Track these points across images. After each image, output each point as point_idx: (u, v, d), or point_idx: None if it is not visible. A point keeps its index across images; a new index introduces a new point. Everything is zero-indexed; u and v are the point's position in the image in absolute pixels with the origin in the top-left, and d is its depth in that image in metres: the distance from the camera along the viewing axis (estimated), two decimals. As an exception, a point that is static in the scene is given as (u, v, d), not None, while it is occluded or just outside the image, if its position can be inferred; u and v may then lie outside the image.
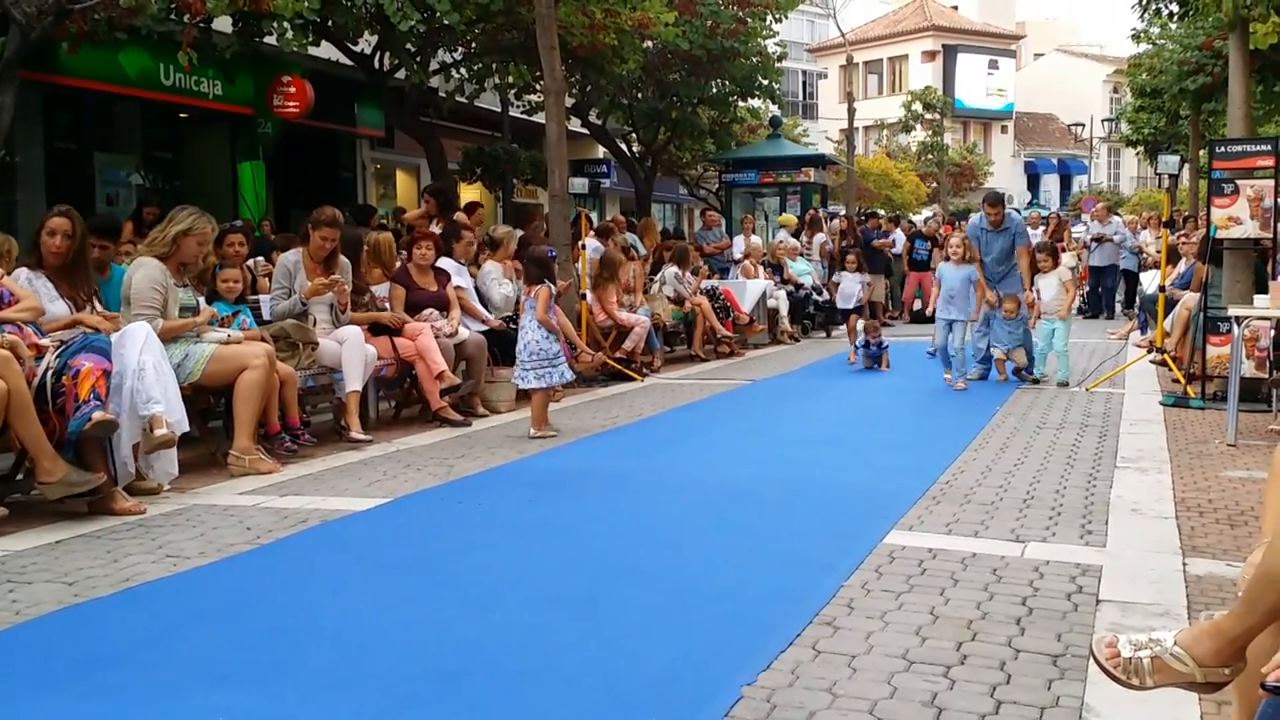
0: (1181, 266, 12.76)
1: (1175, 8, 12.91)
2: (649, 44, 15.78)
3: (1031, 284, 10.27)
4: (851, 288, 13.33)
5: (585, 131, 19.59)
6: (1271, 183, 8.68)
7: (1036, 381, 10.09)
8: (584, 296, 10.95)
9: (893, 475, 6.11)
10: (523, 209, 17.12)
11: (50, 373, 5.28)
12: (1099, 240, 18.87)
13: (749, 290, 14.30)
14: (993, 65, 52.13)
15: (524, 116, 17.66)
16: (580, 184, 11.85)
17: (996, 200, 10.69)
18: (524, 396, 8.43)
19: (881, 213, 23.22)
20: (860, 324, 12.11)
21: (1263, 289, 8.32)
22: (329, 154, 16.84)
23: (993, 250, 10.44)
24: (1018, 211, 18.39)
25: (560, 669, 3.32)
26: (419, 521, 5.32)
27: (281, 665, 3.38)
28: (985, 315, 10.39)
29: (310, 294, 7.56)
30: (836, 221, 19.38)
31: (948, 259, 10.36)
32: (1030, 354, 10.35)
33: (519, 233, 11.37)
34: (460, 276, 9.25)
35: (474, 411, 8.48)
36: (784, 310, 15.29)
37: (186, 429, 5.89)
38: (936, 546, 4.60)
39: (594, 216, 14.62)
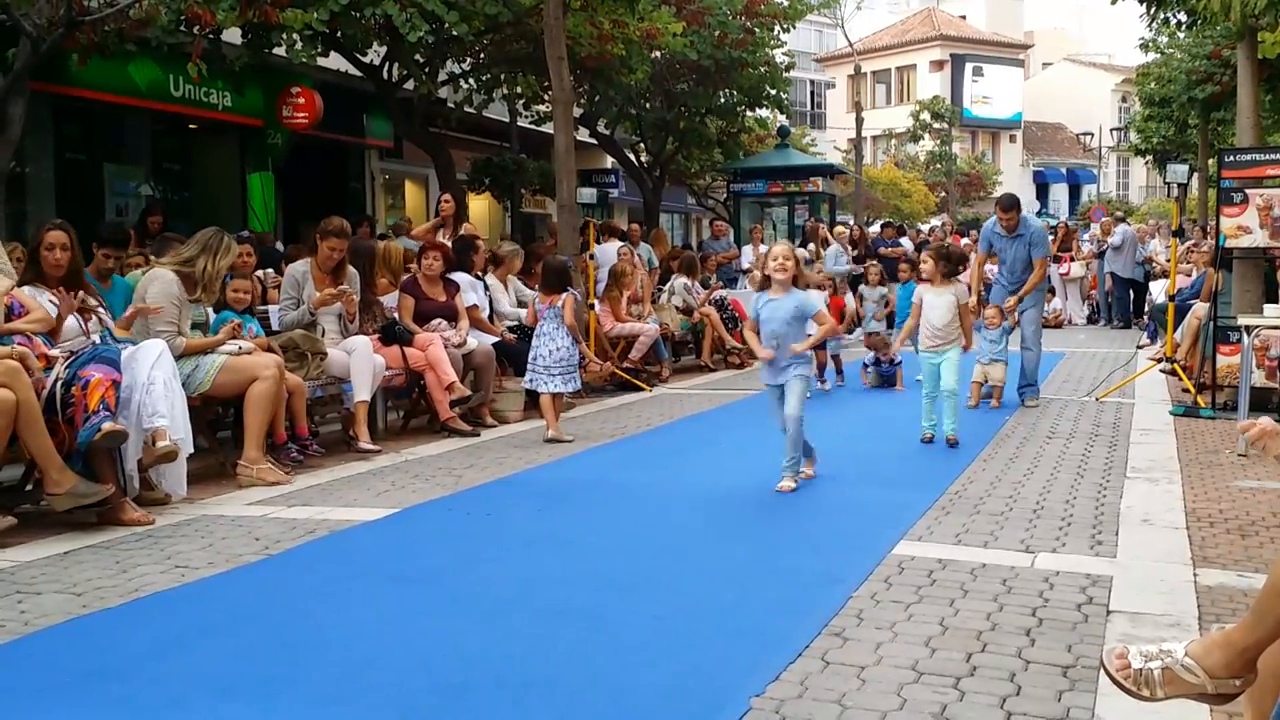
0: (1193, 274, 12.75)
1: (1183, 17, 12.93)
2: (657, 54, 15.83)
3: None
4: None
5: (593, 141, 19.64)
6: (1281, 191, 8.66)
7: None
8: (592, 307, 10.96)
9: (901, 486, 6.10)
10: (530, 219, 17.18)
11: (59, 383, 5.29)
12: (1100, 255, 18.86)
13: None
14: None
15: (532, 127, 17.71)
16: (588, 194, 11.85)
17: (1010, 204, 9.55)
18: (534, 405, 8.43)
19: (892, 222, 23.24)
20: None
21: (1273, 298, 8.31)
22: (338, 165, 16.91)
23: (1007, 259, 9.54)
24: (1039, 218, 18.28)
25: (567, 681, 3.31)
26: (426, 532, 5.31)
27: (288, 677, 3.38)
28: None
29: (318, 304, 7.58)
30: (847, 231, 19.35)
31: (766, 283, 6.32)
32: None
33: (521, 251, 11.34)
34: (475, 292, 9.25)
35: (482, 422, 8.48)
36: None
37: (191, 450, 5.88)
38: (946, 557, 4.58)
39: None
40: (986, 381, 9.27)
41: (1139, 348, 13.74)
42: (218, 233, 6.63)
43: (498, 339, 9.11)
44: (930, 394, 7.54)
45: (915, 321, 7.67)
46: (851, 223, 22.86)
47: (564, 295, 7.85)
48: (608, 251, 12.63)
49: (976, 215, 37.48)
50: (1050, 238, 19.87)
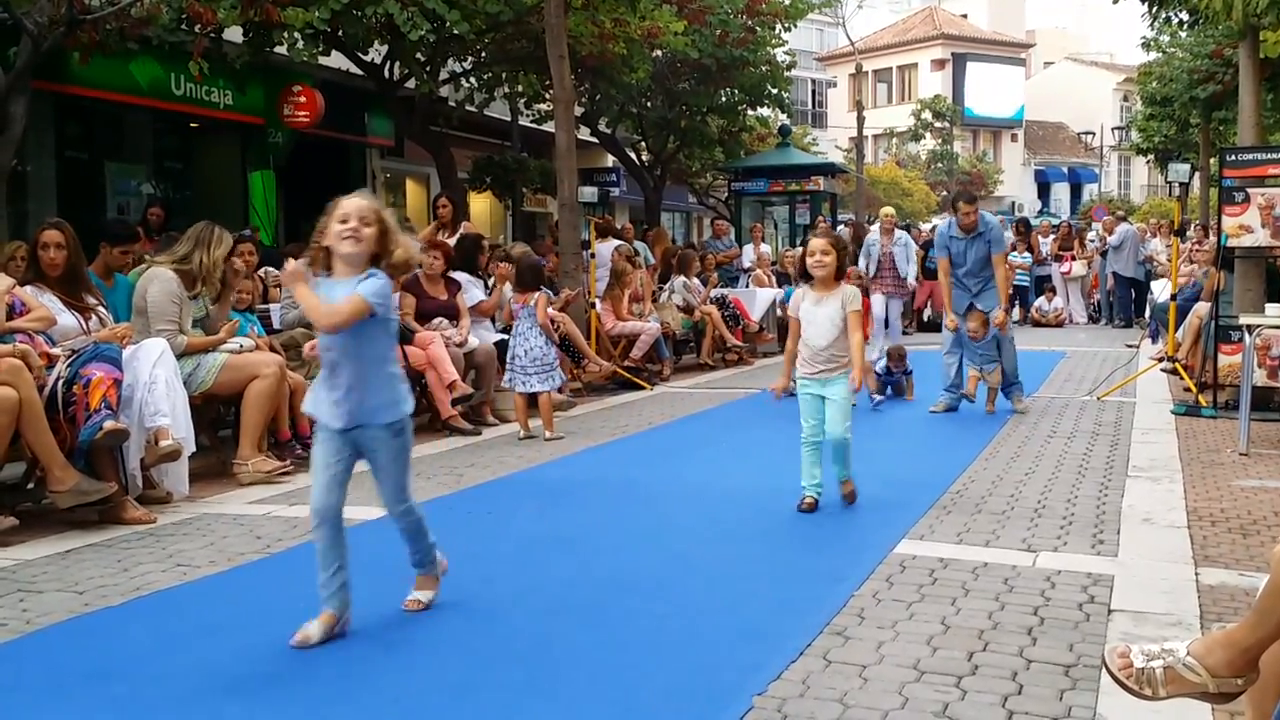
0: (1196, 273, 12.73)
1: (1185, 16, 12.93)
2: (658, 53, 15.82)
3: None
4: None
5: (594, 140, 19.63)
6: (1283, 190, 8.65)
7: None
8: (593, 305, 10.96)
9: (903, 485, 6.09)
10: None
11: (61, 382, 5.30)
12: (1103, 254, 18.86)
13: (758, 299, 14.29)
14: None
15: (533, 125, 17.68)
16: (589, 193, 11.85)
17: (972, 197, 8.75)
18: (533, 404, 8.43)
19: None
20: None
21: (1275, 297, 8.30)
22: (339, 163, 16.88)
23: (966, 260, 8.74)
24: (1041, 216, 18.23)
25: (569, 680, 3.31)
26: (428, 531, 5.30)
27: (289, 676, 3.38)
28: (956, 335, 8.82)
29: (319, 303, 7.56)
30: (846, 229, 19.32)
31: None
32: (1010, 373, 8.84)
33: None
34: (477, 290, 9.24)
35: (483, 420, 8.48)
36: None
37: (193, 449, 5.89)
38: (948, 556, 4.58)
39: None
40: (984, 381, 8.79)
41: (1128, 345, 13.74)
42: (208, 225, 6.65)
43: (500, 337, 9.11)
44: (811, 439, 5.53)
45: (795, 345, 5.69)
46: (851, 218, 22.84)
47: (536, 294, 7.87)
48: (605, 251, 12.62)
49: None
50: (1052, 237, 20.04)
